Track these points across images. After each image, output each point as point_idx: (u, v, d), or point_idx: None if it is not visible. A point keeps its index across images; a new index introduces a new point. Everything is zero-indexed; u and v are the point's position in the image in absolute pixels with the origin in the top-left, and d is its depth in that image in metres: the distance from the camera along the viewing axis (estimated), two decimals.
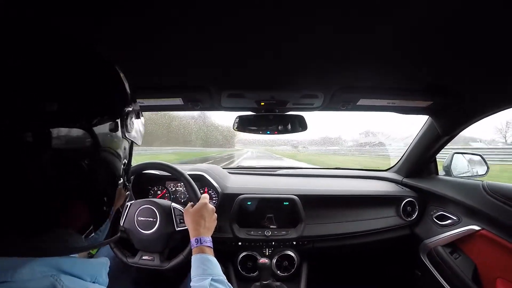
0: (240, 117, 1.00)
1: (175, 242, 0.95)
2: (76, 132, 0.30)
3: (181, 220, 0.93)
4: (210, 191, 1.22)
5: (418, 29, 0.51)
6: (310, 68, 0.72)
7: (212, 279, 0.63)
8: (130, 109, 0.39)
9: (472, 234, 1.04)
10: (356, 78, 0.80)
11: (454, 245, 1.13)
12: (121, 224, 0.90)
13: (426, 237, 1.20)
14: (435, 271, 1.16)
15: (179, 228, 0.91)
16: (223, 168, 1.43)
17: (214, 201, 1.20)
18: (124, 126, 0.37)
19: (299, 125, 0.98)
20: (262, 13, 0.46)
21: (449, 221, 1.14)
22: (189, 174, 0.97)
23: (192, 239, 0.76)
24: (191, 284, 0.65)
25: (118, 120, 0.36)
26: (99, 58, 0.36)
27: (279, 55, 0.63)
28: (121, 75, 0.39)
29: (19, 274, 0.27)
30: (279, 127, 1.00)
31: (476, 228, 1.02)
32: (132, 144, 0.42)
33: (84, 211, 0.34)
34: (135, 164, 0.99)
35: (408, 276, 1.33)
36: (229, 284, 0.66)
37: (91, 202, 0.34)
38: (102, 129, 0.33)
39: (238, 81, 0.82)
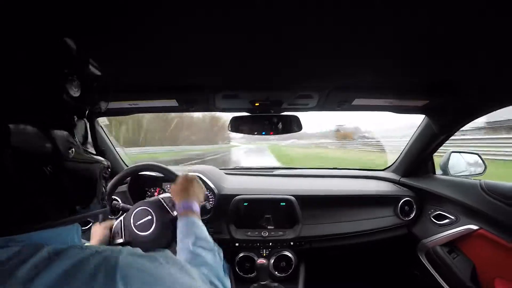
0: (235, 118, 0.99)
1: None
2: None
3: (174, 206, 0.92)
4: (206, 192, 1.22)
5: (414, 29, 0.50)
6: (305, 69, 0.72)
7: (196, 237, 0.61)
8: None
9: (470, 234, 1.04)
10: (351, 78, 0.79)
11: (452, 244, 1.12)
12: (123, 239, 0.88)
13: (424, 236, 1.20)
14: (433, 271, 1.16)
15: (175, 213, 0.90)
16: (220, 169, 1.42)
17: (211, 202, 1.20)
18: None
19: (294, 125, 0.98)
20: (255, 13, 0.46)
21: (447, 220, 1.13)
22: None
23: (178, 205, 0.73)
24: (177, 248, 0.62)
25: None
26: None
27: (273, 56, 0.63)
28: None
29: None
30: (274, 128, 0.99)
31: (474, 227, 1.02)
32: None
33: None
34: (126, 168, 0.98)
35: (406, 275, 1.33)
36: (218, 246, 0.63)
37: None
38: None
39: (233, 82, 0.82)
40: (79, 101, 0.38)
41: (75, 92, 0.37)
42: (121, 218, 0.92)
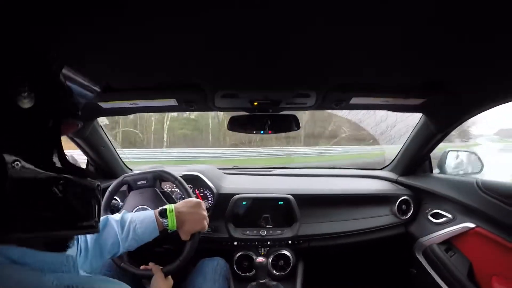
0: (233, 117, 1.00)
1: None
2: None
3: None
4: (205, 191, 1.22)
5: (411, 26, 0.51)
6: (302, 68, 0.72)
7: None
8: None
9: (467, 232, 1.04)
10: (349, 76, 0.80)
11: (449, 243, 1.13)
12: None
13: (421, 235, 1.21)
14: (431, 269, 1.16)
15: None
16: (219, 169, 1.43)
17: (209, 201, 1.21)
18: None
19: (292, 124, 0.99)
20: (254, 12, 0.46)
21: (444, 219, 1.14)
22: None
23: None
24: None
25: None
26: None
27: (272, 55, 0.63)
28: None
29: None
30: (273, 127, 1.00)
31: (471, 225, 1.02)
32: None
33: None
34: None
35: (403, 274, 1.33)
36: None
37: None
38: None
39: (232, 81, 0.82)
40: (35, 112, 0.33)
41: (25, 104, 0.32)
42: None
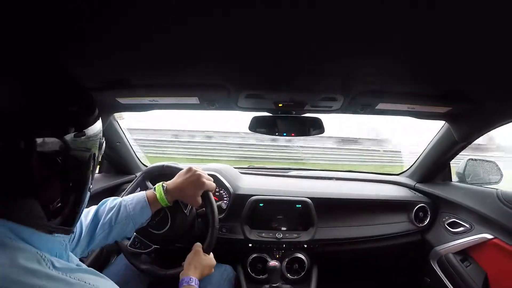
0: (256, 117, 0.98)
1: (195, 224, 0.92)
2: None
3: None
4: (222, 191, 1.21)
5: (440, 34, 0.49)
6: (333, 71, 0.71)
7: None
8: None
9: (484, 243, 1.03)
10: (377, 82, 0.78)
11: (465, 253, 1.12)
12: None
13: (437, 243, 1.20)
14: (445, 279, 1.16)
15: (188, 211, 0.88)
16: (235, 168, 1.41)
17: (225, 202, 1.19)
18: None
19: (317, 127, 0.97)
20: (283, 14, 0.44)
21: (461, 228, 1.13)
22: None
23: (182, 278, 0.76)
24: None
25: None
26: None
27: (301, 57, 0.62)
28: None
29: None
30: (296, 129, 0.98)
31: (489, 236, 1.01)
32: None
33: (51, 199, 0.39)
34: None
35: (417, 282, 1.33)
36: None
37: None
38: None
39: (257, 82, 0.80)
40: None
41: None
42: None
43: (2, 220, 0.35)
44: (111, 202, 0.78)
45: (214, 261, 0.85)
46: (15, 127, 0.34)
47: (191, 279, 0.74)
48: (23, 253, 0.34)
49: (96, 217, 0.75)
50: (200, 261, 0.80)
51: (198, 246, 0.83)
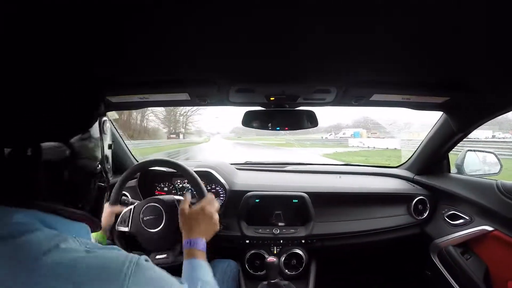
0: (248, 112, 0.97)
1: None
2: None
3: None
4: (217, 188, 1.20)
5: (435, 22, 0.48)
6: (325, 63, 0.69)
7: (202, 283, 0.61)
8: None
9: (484, 235, 1.02)
10: (370, 72, 0.77)
11: (466, 245, 1.11)
12: (128, 229, 0.86)
13: (437, 236, 1.18)
14: (445, 271, 1.14)
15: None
16: (231, 164, 1.40)
17: (221, 198, 1.18)
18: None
19: (310, 120, 0.95)
20: (274, 9, 0.43)
21: (461, 220, 1.11)
22: (196, 171, 0.95)
23: (184, 241, 0.72)
24: None
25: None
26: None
27: (291, 49, 0.60)
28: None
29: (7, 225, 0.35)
30: (289, 123, 0.97)
31: (489, 228, 1.00)
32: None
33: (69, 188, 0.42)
34: (140, 161, 0.96)
35: (417, 276, 1.31)
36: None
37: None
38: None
39: (248, 76, 0.79)
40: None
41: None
42: (131, 207, 0.90)
43: (32, 211, 0.38)
44: None
45: (211, 212, 0.79)
46: (48, 132, 0.39)
47: (188, 242, 0.70)
48: (58, 237, 0.37)
49: None
50: (195, 218, 0.76)
51: (184, 203, 0.80)
